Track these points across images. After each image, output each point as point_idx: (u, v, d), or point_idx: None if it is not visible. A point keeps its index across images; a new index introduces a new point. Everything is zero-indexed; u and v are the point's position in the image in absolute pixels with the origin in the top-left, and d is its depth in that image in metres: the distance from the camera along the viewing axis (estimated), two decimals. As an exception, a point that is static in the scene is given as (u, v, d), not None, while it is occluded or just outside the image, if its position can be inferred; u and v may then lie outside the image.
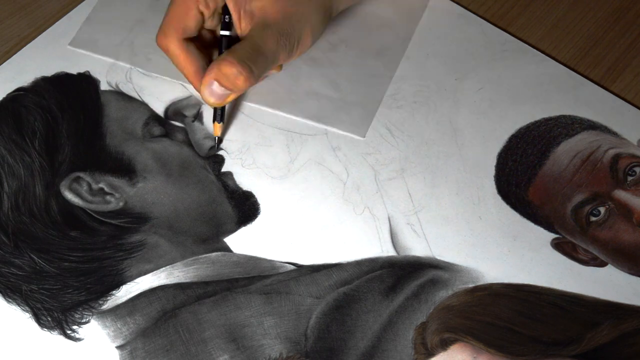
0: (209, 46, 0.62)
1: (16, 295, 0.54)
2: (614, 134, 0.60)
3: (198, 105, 0.62)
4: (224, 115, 0.61)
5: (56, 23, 0.67)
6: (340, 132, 0.61)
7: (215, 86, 0.55)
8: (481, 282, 0.54)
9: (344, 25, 0.66)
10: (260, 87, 0.63)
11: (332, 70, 0.64)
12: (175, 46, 0.58)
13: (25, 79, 0.63)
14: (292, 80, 0.64)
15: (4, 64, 0.65)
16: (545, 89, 0.63)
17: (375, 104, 0.62)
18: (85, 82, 0.63)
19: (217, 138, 0.61)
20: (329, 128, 0.61)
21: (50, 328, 0.53)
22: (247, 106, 0.63)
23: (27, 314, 0.54)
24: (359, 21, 0.67)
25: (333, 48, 0.65)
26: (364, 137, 0.60)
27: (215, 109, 0.60)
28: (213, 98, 0.56)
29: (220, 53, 0.58)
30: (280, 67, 0.62)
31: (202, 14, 0.58)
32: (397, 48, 0.65)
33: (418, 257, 0.55)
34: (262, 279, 0.54)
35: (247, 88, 0.56)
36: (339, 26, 0.66)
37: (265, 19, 0.56)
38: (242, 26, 0.57)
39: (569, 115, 0.62)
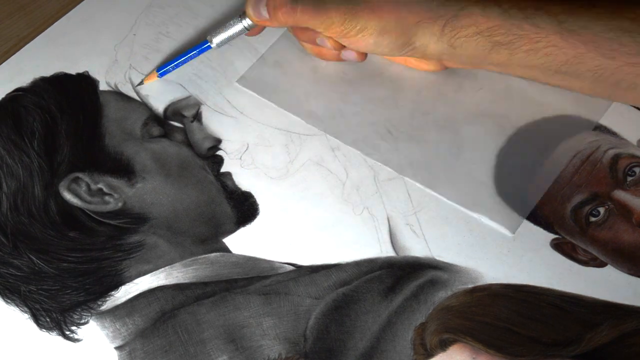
0: None
1: (15, 296, 0.54)
2: (614, 134, 0.60)
3: (197, 105, 0.62)
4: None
5: (55, 23, 0.67)
6: (489, 222, 0.56)
7: (263, 4, 0.56)
8: (480, 283, 0.54)
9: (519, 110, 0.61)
10: (422, 162, 0.59)
11: (496, 159, 0.59)
12: None
13: (24, 79, 0.63)
14: (452, 158, 0.60)
15: (3, 64, 0.65)
16: (544, 89, 0.63)
17: (532, 205, 0.57)
18: (84, 83, 0.63)
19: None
20: (479, 216, 0.57)
21: (49, 329, 0.53)
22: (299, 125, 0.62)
23: (25, 314, 0.54)
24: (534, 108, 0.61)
25: (503, 132, 0.60)
26: (514, 233, 0.56)
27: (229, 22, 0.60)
28: (253, 12, 0.57)
29: None
30: (364, 56, 0.61)
31: None
32: (566, 149, 0.58)
33: (417, 258, 0.55)
34: (261, 280, 0.54)
35: (283, 25, 0.56)
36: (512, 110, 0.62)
37: None
38: None
39: (569, 115, 0.61)
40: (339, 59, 0.61)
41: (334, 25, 0.55)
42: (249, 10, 0.57)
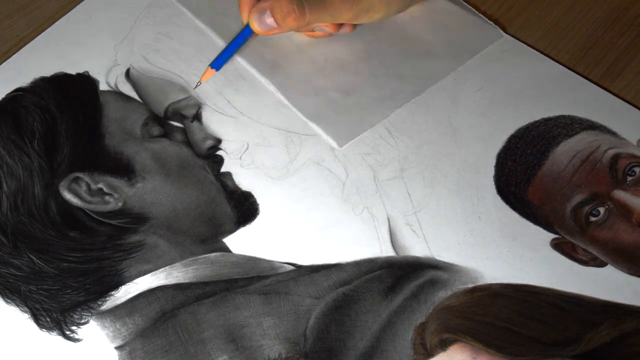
0: None
1: (15, 295, 0.54)
2: (614, 134, 0.60)
3: (197, 105, 0.62)
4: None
5: (55, 23, 0.67)
6: (322, 134, 0.61)
7: (267, 15, 0.56)
8: (480, 283, 0.54)
9: (391, 35, 0.65)
10: (286, 62, 0.63)
11: (353, 79, 0.63)
12: None
13: (24, 79, 0.63)
14: (311, 70, 0.64)
15: (3, 64, 0.65)
16: (544, 89, 0.63)
17: (367, 125, 0.61)
18: (84, 83, 0.63)
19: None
20: (315, 127, 0.61)
21: (49, 329, 0.53)
22: (248, 72, 0.63)
23: (26, 314, 0.54)
24: (407, 39, 0.65)
25: (366, 58, 0.64)
26: (341, 147, 0.60)
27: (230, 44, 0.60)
28: (258, 25, 0.57)
29: None
30: (353, 27, 0.62)
31: None
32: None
33: (417, 258, 0.55)
34: (261, 280, 0.54)
35: (293, 29, 0.57)
36: (385, 34, 0.65)
37: None
38: None
39: (569, 115, 0.61)
40: (329, 35, 0.63)
41: (343, 15, 0.56)
42: (254, 26, 0.57)
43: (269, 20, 0.56)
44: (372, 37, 0.65)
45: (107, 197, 0.57)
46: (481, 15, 0.67)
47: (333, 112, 0.62)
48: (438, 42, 0.65)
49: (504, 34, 0.66)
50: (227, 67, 0.64)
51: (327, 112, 0.62)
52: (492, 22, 0.66)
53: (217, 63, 0.63)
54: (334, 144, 0.60)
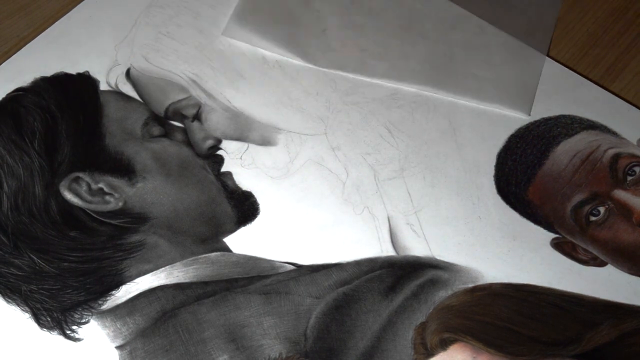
0: None
1: (16, 295, 0.54)
2: (614, 133, 0.60)
3: (197, 105, 0.62)
4: None
5: (55, 23, 0.67)
6: (504, 111, 0.61)
7: None
8: (481, 282, 0.54)
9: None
10: (416, 67, 0.64)
11: (485, 52, 0.63)
12: None
13: (24, 79, 0.63)
14: (447, 60, 0.64)
15: (3, 64, 0.65)
16: (544, 88, 0.63)
17: (535, 80, 0.61)
18: (85, 83, 0.63)
19: None
20: (491, 108, 0.61)
21: (49, 328, 0.53)
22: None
23: (26, 314, 0.54)
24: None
25: (482, 31, 0.64)
26: (529, 115, 0.60)
27: None
28: None
29: None
30: None
31: None
32: (544, 28, 0.62)
33: (417, 257, 0.55)
34: (261, 279, 0.54)
35: None
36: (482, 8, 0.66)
37: None
38: None
39: (569, 115, 0.62)
40: None
41: None
42: None
43: None
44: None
45: (107, 197, 0.57)
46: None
47: (494, 87, 0.62)
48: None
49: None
50: (228, 66, 0.64)
51: (488, 89, 0.62)
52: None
53: None
54: (521, 115, 0.60)
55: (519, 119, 0.62)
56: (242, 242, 0.57)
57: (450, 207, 0.58)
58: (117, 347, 0.52)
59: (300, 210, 0.58)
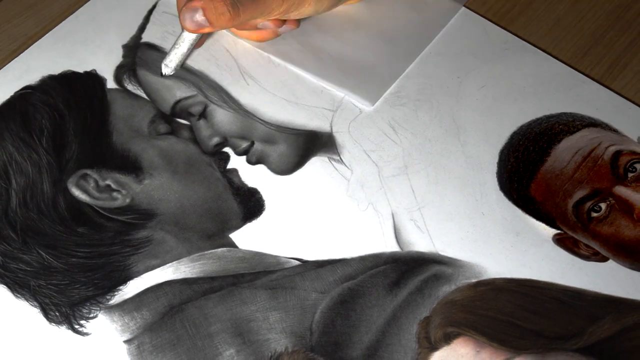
0: None
1: (25, 290, 0.55)
2: (615, 131, 0.61)
3: (203, 103, 0.62)
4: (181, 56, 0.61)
5: (63, 22, 0.68)
6: (351, 97, 0.62)
7: (199, 14, 0.55)
8: (484, 277, 0.55)
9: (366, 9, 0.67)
10: (286, 43, 0.65)
11: (357, 38, 0.65)
12: None
13: (32, 78, 0.64)
14: (315, 38, 0.65)
15: (12, 62, 0.65)
16: (546, 87, 0.64)
17: (393, 78, 0.63)
18: (92, 81, 0.64)
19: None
20: (339, 90, 0.62)
21: (58, 323, 0.54)
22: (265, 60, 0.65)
23: (35, 309, 0.54)
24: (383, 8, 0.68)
25: (356, 27, 0.66)
26: (373, 105, 0.61)
27: (174, 44, 0.60)
28: (190, 24, 0.55)
29: None
30: (297, 23, 0.63)
31: None
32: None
33: (421, 253, 0.56)
34: (267, 274, 0.55)
35: (226, 28, 0.56)
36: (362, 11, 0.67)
37: None
38: None
39: (570, 113, 0.62)
40: (277, 35, 0.64)
41: (275, 10, 0.57)
42: (186, 25, 0.56)
43: (201, 19, 0.55)
44: (328, 27, 0.66)
45: (115, 194, 0.58)
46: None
47: (352, 71, 0.63)
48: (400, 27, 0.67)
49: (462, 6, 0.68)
50: (233, 64, 0.65)
51: (345, 72, 0.63)
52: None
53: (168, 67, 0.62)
54: (364, 106, 0.61)
55: (519, 115, 0.62)
56: (248, 238, 0.57)
57: (454, 204, 0.58)
58: (125, 342, 0.53)
59: (305, 206, 0.59)
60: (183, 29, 0.58)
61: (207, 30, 0.56)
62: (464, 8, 0.69)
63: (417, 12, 0.68)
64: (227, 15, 0.54)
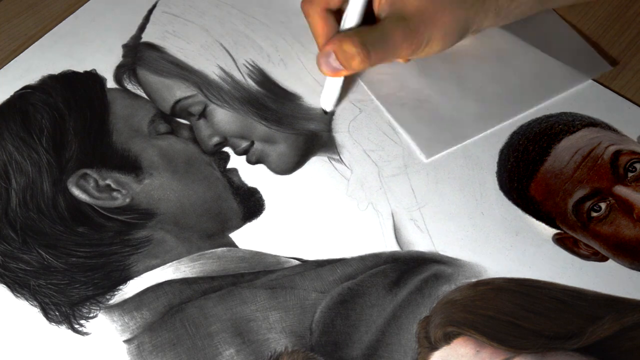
0: None
1: (24, 290, 0.55)
2: (614, 130, 0.61)
3: (204, 102, 0.63)
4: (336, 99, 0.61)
5: (63, 22, 0.68)
6: (410, 141, 0.61)
7: (332, 58, 0.55)
8: (484, 277, 0.55)
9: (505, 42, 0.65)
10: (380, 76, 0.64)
11: (449, 86, 0.63)
12: (317, 14, 0.58)
13: (32, 77, 0.64)
14: (403, 80, 0.64)
15: (12, 62, 0.65)
16: (546, 87, 0.64)
17: (459, 140, 0.61)
18: (92, 80, 0.64)
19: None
20: (404, 134, 0.61)
21: (58, 322, 0.54)
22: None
23: (35, 308, 0.54)
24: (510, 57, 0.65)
25: (474, 68, 0.64)
26: (427, 160, 0.60)
27: (327, 84, 0.60)
28: (325, 68, 0.56)
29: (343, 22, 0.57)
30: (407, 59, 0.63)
31: None
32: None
33: (421, 252, 0.56)
34: (267, 274, 0.55)
35: (359, 70, 0.56)
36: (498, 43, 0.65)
37: (403, 10, 0.55)
38: (379, 5, 0.57)
39: (570, 112, 0.62)
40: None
41: (404, 52, 0.56)
42: (322, 68, 0.56)
43: (335, 63, 0.55)
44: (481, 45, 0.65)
45: (115, 193, 0.58)
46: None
47: (422, 122, 0.62)
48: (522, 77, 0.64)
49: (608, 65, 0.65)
50: (232, 64, 0.65)
51: (415, 121, 0.62)
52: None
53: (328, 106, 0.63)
54: (421, 156, 0.60)
55: (519, 115, 0.62)
56: (248, 237, 0.57)
57: (454, 203, 0.58)
58: (124, 341, 0.53)
59: (305, 206, 0.59)
60: None
61: (343, 74, 0.56)
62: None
63: (538, 75, 0.64)
64: (357, 59, 0.54)
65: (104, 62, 0.65)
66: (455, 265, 0.55)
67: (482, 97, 0.63)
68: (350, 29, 0.55)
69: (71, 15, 0.68)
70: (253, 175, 0.60)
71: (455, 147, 0.61)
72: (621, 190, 0.56)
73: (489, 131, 0.61)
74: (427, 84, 0.63)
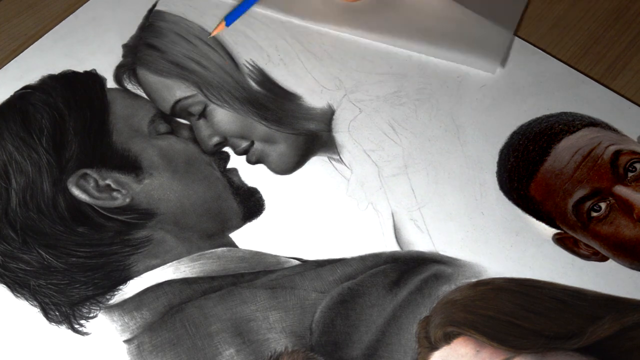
0: None
1: (25, 290, 0.55)
2: (615, 130, 0.61)
3: (204, 102, 0.62)
4: None
5: (62, 22, 0.68)
6: (473, 67, 0.63)
7: None
8: (484, 277, 0.55)
9: None
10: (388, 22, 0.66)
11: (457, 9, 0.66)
12: None
13: (32, 77, 0.64)
14: (415, 14, 0.66)
15: (11, 62, 0.65)
16: (546, 86, 0.64)
17: (508, 38, 0.64)
18: (92, 80, 0.64)
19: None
20: (461, 65, 0.63)
21: (58, 322, 0.54)
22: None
23: (35, 308, 0.54)
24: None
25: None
26: (494, 73, 0.62)
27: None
28: None
29: None
30: None
31: None
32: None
33: (421, 252, 0.56)
34: (267, 274, 0.55)
35: None
36: None
37: None
38: None
39: (570, 112, 0.62)
40: None
41: None
42: None
43: None
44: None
45: (115, 193, 0.58)
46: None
47: (464, 42, 0.64)
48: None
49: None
50: (232, 64, 0.65)
51: (459, 43, 0.65)
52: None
53: (230, 18, 0.63)
54: (489, 71, 0.63)
55: (519, 115, 0.62)
56: (248, 237, 0.57)
57: (454, 203, 0.58)
58: (124, 341, 0.53)
59: (305, 206, 0.59)
60: None
61: None
62: None
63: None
64: None
65: (104, 62, 0.65)
66: (455, 265, 0.55)
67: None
68: None
69: (71, 15, 0.68)
70: (253, 175, 0.60)
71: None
72: (621, 190, 0.56)
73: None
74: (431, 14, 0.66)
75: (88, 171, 0.58)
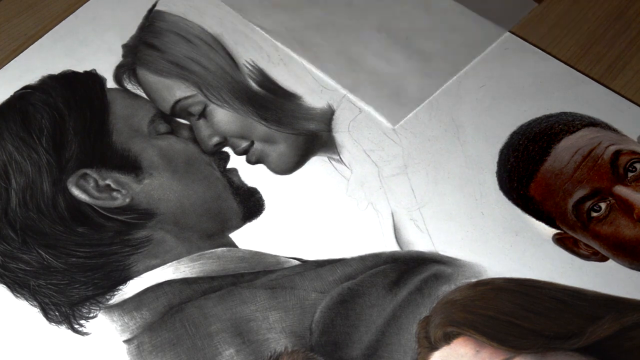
0: None
1: (24, 290, 0.55)
2: (615, 130, 0.61)
3: (203, 103, 0.62)
4: None
5: (62, 22, 0.68)
6: (372, 112, 0.62)
7: None
8: (483, 277, 0.55)
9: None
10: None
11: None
12: None
13: (32, 77, 0.64)
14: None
15: (11, 62, 0.65)
16: (546, 86, 0.64)
17: (421, 100, 0.62)
18: (92, 80, 0.64)
19: None
20: (364, 105, 0.62)
21: (58, 322, 0.54)
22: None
23: (35, 308, 0.54)
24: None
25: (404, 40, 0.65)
26: (394, 127, 0.61)
27: None
28: None
29: None
30: None
31: None
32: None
33: (421, 252, 0.56)
34: (267, 274, 0.55)
35: None
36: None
37: None
38: None
39: (570, 112, 0.62)
40: None
41: None
42: None
43: None
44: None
45: (114, 193, 0.58)
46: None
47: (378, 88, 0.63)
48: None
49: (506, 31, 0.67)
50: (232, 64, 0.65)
51: (370, 89, 0.63)
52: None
53: None
54: (386, 123, 0.61)
55: (519, 115, 0.62)
56: (247, 237, 0.57)
57: (454, 203, 0.58)
58: (124, 341, 0.53)
59: (305, 206, 0.59)
60: None
61: None
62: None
63: (459, 32, 0.67)
64: None
65: (104, 63, 0.65)
66: (455, 265, 0.55)
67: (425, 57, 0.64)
68: None
69: (71, 15, 0.68)
70: (253, 175, 0.60)
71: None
72: (621, 190, 0.56)
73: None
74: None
75: (88, 171, 0.58)
